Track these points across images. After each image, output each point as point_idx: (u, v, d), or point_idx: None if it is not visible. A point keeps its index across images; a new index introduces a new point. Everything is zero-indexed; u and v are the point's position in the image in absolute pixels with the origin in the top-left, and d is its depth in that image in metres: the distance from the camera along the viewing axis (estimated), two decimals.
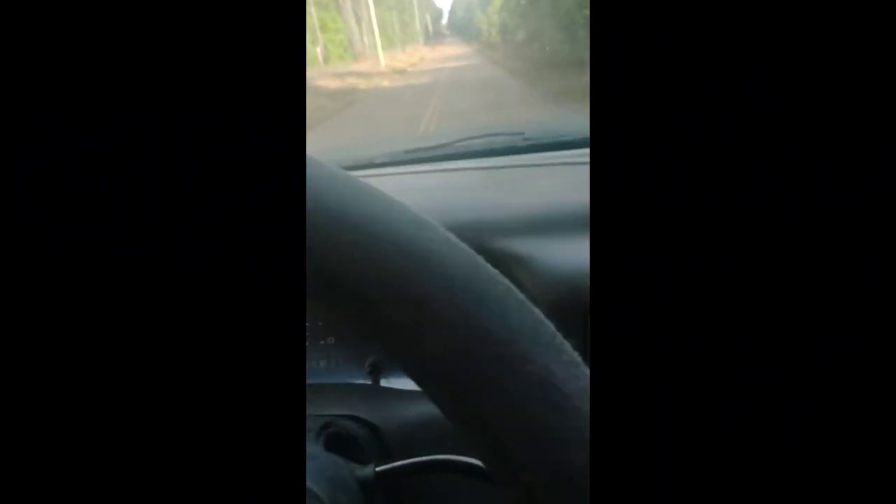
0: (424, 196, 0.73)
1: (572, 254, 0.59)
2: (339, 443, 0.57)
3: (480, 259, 0.19)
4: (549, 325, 0.19)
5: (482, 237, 0.61)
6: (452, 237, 0.19)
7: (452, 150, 0.98)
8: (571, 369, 0.18)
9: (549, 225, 0.62)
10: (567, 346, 0.19)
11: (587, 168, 0.84)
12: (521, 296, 0.19)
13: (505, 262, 0.60)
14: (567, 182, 0.77)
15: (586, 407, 0.18)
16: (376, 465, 0.46)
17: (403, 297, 0.18)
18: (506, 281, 0.19)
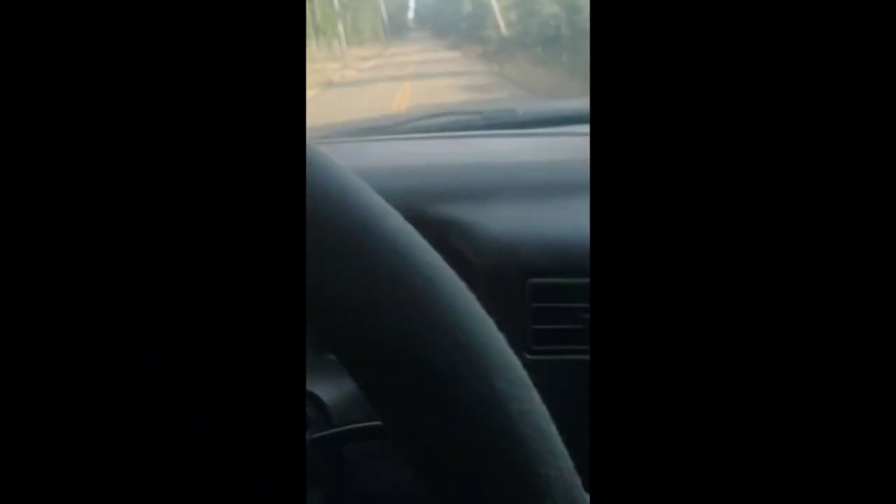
0: (368, 161, 0.73)
1: (512, 219, 0.60)
2: None
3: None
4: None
5: (421, 203, 0.61)
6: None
7: (411, 126, 1.01)
8: (516, 389, 0.19)
9: (491, 190, 0.63)
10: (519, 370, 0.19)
11: (540, 138, 0.85)
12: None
13: (444, 229, 0.60)
14: (515, 148, 0.78)
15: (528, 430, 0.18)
16: (312, 433, 0.46)
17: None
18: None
